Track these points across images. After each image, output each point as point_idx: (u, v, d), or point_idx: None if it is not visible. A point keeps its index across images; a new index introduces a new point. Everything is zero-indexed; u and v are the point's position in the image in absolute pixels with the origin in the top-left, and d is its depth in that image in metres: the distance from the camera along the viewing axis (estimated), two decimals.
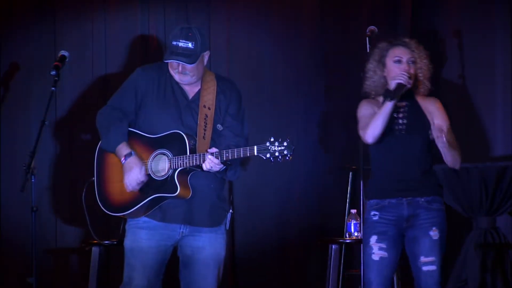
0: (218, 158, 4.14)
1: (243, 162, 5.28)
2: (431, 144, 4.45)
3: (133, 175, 4.26)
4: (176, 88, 4.38)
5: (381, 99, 4.50)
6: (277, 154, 4.06)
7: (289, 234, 6.34)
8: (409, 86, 4.43)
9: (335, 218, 6.11)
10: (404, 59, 4.47)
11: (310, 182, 6.37)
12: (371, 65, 4.57)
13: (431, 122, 4.47)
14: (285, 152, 4.06)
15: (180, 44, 4.29)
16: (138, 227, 4.34)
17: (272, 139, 4.07)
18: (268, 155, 4.07)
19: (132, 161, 4.28)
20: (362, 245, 4.59)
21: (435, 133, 4.33)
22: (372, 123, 4.41)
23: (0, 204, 6.11)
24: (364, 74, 4.60)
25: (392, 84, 4.42)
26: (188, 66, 4.30)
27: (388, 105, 4.38)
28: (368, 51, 5.01)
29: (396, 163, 4.46)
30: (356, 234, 5.73)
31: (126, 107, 4.37)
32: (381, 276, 4.46)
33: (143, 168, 4.28)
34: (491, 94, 6.18)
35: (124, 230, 4.45)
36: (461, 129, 6.16)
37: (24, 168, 4.32)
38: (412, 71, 4.47)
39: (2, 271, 6.13)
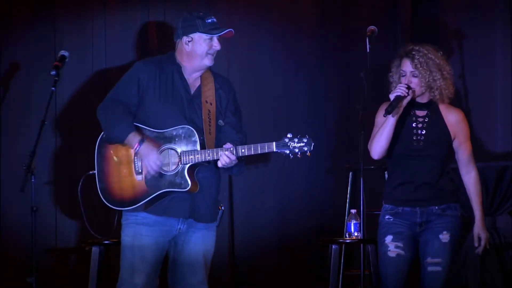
0: (233, 154, 4.15)
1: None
2: (451, 153, 4.53)
3: (152, 158, 4.24)
4: (179, 82, 4.36)
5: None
6: (296, 150, 4.10)
7: (289, 234, 6.34)
8: (408, 96, 4.45)
9: (335, 218, 6.10)
10: (408, 73, 4.52)
11: (310, 182, 6.36)
12: (392, 71, 4.62)
13: (451, 134, 4.52)
14: (305, 148, 4.11)
15: (214, 20, 4.32)
16: (138, 223, 4.31)
17: (290, 135, 4.11)
18: (287, 152, 4.10)
19: (147, 145, 4.26)
20: (377, 246, 4.60)
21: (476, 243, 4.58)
22: (376, 140, 4.48)
23: (0, 204, 6.10)
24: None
25: (391, 98, 4.45)
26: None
27: (389, 121, 4.44)
28: (368, 51, 5.01)
29: (413, 175, 4.50)
30: (356, 234, 5.71)
31: (130, 100, 4.34)
32: (398, 272, 4.49)
33: (158, 152, 4.26)
34: (491, 94, 6.18)
35: (118, 225, 4.43)
36: None
37: (24, 168, 4.32)
38: (414, 82, 4.49)
39: (2, 271, 6.13)
